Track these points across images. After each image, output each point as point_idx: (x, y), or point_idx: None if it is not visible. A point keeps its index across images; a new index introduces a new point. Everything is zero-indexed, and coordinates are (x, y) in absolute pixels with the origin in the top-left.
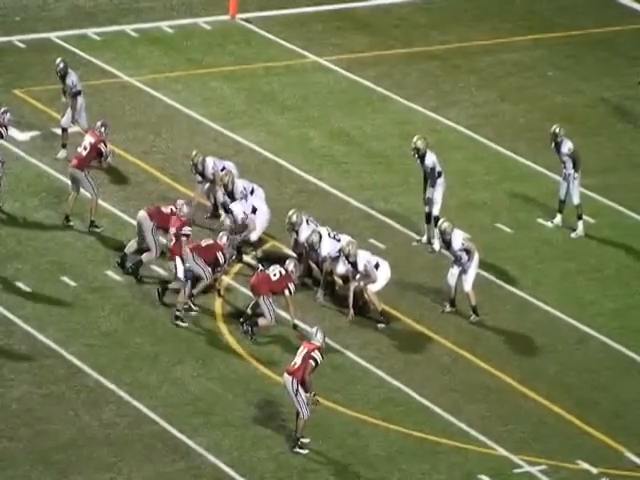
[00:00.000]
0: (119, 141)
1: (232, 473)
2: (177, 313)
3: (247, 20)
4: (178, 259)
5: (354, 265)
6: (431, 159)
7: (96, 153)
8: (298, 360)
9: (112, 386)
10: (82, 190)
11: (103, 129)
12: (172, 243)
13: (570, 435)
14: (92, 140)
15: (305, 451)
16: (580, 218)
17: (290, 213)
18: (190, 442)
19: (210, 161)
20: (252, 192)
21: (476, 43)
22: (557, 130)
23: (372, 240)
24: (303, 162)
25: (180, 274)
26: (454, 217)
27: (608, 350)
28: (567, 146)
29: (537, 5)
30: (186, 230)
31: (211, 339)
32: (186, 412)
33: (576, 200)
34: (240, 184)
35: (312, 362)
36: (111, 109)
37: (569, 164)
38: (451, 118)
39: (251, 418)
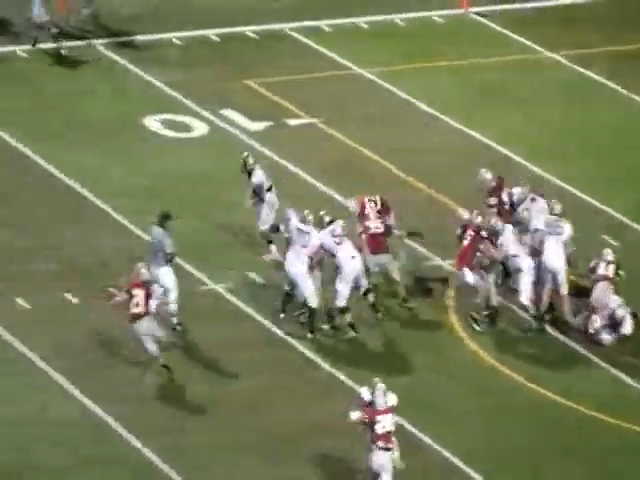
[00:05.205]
0: (349, 132)
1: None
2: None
3: (480, 14)
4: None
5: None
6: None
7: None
8: None
9: (343, 378)
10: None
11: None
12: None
13: None
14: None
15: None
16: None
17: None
18: (421, 435)
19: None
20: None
21: None
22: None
23: (605, 236)
24: (533, 157)
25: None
26: None
27: None
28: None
29: None
30: None
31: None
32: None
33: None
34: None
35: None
36: (341, 101)
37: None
38: None
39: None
